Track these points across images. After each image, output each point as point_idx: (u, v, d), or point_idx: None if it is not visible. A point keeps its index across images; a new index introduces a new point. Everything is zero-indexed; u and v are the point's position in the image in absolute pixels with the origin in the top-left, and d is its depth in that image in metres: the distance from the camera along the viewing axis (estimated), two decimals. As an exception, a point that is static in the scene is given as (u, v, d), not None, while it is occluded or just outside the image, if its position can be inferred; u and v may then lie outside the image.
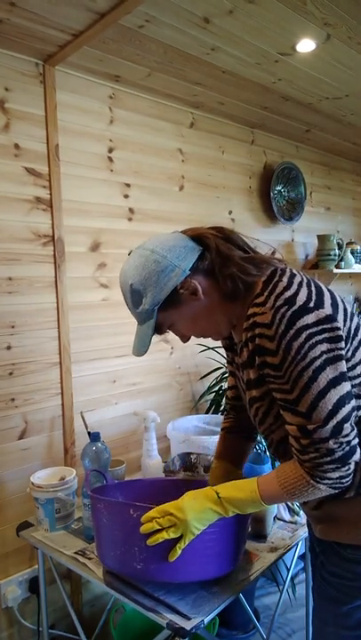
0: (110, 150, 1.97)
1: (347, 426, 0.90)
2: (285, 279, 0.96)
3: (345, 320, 0.95)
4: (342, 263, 2.97)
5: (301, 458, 0.93)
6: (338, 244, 2.91)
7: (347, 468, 0.91)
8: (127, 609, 1.72)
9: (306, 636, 1.84)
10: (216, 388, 2.27)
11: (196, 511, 1.01)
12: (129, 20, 1.49)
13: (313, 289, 0.95)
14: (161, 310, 1.01)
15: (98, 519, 1.15)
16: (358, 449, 0.92)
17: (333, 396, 0.89)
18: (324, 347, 0.89)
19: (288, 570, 1.71)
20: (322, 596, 1.06)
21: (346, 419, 0.90)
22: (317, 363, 0.89)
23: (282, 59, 1.81)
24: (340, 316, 0.94)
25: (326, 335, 0.89)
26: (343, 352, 0.92)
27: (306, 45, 1.71)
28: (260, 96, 2.16)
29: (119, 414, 2.02)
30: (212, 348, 2.35)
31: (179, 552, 1.02)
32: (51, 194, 1.77)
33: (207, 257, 1.00)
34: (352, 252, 3.09)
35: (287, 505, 1.53)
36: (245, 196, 2.60)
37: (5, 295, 1.67)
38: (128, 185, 2.03)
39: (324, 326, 0.90)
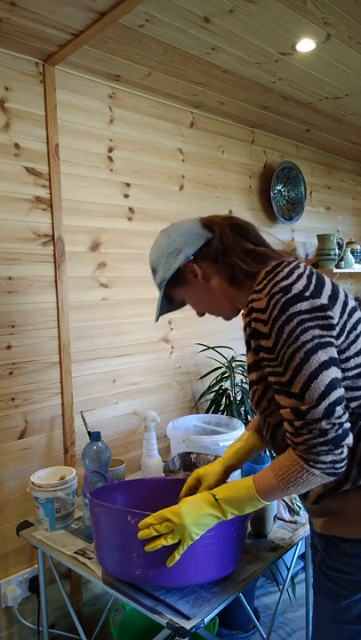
0: (110, 150, 1.97)
1: (339, 408, 0.91)
2: (286, 270, 0.99)
3: (342, 313, 0.98)
4: (342, 263, 2.97)
5: (295, 440, 0.93)
6: (338, 243, 2.91)
7: (340, 451, 0.91)
8: (127, 609, 1.72)
9: (306, 635, 1.84)
10: (216, 388, 2.27)
11: (194, 516, 1.01)
12: (129, 19, 1.49)
13: (313, 280, 0.98)
14: (172, 287, 1.13)
15: (97, 523, 1.15)
16: (351, 434, 0.92)
17: (325, 377, 0.91)
18: (316, 332, 0.92)
19: (288, 569, 1.71)
20: (322, 592, 1.06)
21: (338, 401, 0.91)
22: (309, 345, 0.91)
23: (282, 58, 1.81)
24: (338, 309, 0.97)
25: (319, 322, 0.93)
26: (334, 341, 0.94)
27: (306, 45, 1.71)
28: (260, 96, 2.16)
29: (119, 414, 2.02)
30: (212, 348, 2.35)
31: (177, 558, 1.02)
32: (51, 193, 1.77)
33: (213, 244, 1.08)
34: (352, 252, 3.09)
35: (287, 504, 1.53)
36: (245, 195, 2.60)
37: (5, 295, 1.67)
38: (128, 185, 2.03)
39: (317, 314, 0.93)
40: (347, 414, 0.92)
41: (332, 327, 0.94)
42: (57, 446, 1.81)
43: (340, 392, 0.92)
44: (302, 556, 2.13)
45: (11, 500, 1.69)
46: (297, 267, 1.01)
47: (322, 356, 0.91)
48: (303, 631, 2.00)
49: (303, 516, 1.51)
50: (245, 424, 1.80)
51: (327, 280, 1.02)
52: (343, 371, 0.96)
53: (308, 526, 1.47)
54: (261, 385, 1.04)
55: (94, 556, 1.33)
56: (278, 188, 2.76)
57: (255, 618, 1.87)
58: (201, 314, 1.19)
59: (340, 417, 0.91)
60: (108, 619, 1.76)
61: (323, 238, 2.89)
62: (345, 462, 0.92)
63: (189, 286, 1.13)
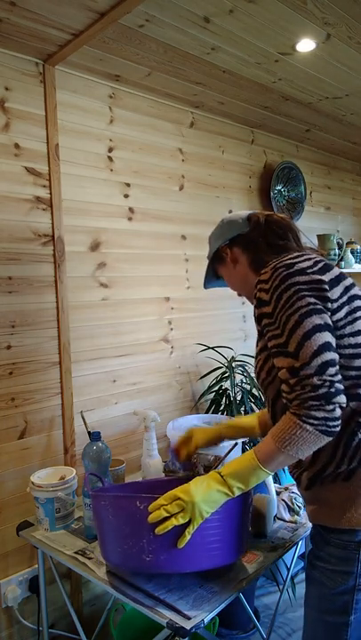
0: (110, 150, 1.97)
1: (331, 368, 0.95)
2: (295, 254, 1.10)
3: (342, 295, 1.05)
4: (342, 263, 2.97)
5: (289, 398, 0.97)
6: (338, 243, 2.91)
7: (331, 407, 0.93)
8: (127, 609, 1.72)
9: (306, 635, 1.84)
10: (216, 388, 2.27)
11: (203, 493, 1.03)
12: (129, 19, 1.49)
13: (320, 265, 1.07)
14: (215, 262, 1.33)
15: (102, 517, 1.15)
16: (343, 395, 0.95)
17: (319, 338, 0.97)
18: (311, 299, 1.00)
19: (288, 569, 1.71)
20: (309, 581, 1.09)
21: (330, 362, 0.95)
22: (304, 310, 0.99)
23: (282, 58, 1.81)
24: (338, 290, 1.05)
25: (315, 293, 1.01)
26: (329, 312, 1.01)
27: (306, 45, 1.71)
28: (260, 96, 2.16)
29: (119, 414, 2.02)
30: (212, 348, 2.35)
31: (188, 537, 1.03)
32: (51, 193, 1.77)
33: (246, 234, 1.24)
34: (352, 252, 3.09)
35: (287, 504, 1.53)
36: (245, 195, 2.60)
37: (5, 295, 1.67)
38: (128, 184, 2.03)
39: (314, 286, 1.02)
40: (340, 376, 0.96)
41: (327, 299, 1.01)
42: (57, 446, 1.81)
43: (333, 354, 0.97)
44: (302, 556, 2.13)
45: (11, 500, 1.69)
46: (310, 254, 1.10)
47: (316, 319, 0.98)
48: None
49: (303, 516, 1.51)
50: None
51: (336, 270, 1.09)
52: (337, 347, 1.01)
53: (308, 526, 1.47)
54: (263, 355, 1.13)
55: (94, 556, 1.33)
56: (278, 187, 2.76)
57: (255, 618, 1.87)
58: (238, 293, 1.35)
59: (332, 375, 0.95)
60: (108, 619, 1.76)
61: (323, 238, 2.89)
62: (338, 422, 0.95)
63: (224, 265, 1.30)
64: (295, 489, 1.59)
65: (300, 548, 1.55)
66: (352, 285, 1.10)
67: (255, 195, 2.66)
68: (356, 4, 1.49)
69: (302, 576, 2.27)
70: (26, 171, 1.71)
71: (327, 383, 0.94)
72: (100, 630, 1.82)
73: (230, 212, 2.51)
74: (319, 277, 1.03)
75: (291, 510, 1.52)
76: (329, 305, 1.02)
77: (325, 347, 0.97)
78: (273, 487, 1.49)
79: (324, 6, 1.49)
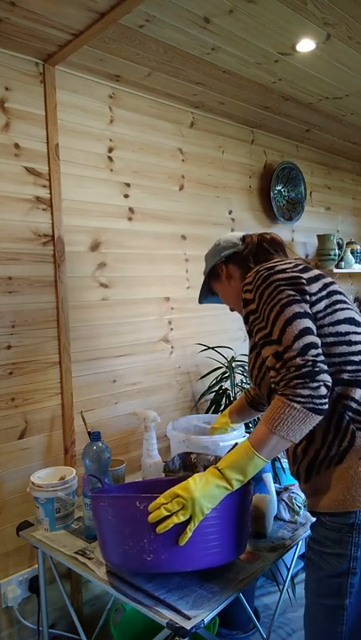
0: (110, 150, 1.97)
1: (313, 350, 1.01)
2: (278, 259, 1.22)
3: (321, 290, 1.14)
4: (342, 263, 2.97)
5: (276, 380, 1.03)
6: (338, 243, 2.91)
7: (315, 385, 0.98)
8: (127, 609, 1.72)
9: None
10: (216, 388, 2.27)
11: (202, 489, 1.04)
12: (129, 19, 1.49)
13: (300, 267, 1.16)
14: (210, 279, 1.42)
15: (102, 517, 1.15)
16: (328, 375, 1.00)
17: (299, 324, 1.04)
18: (291, 292, 1.09)
19: (288, 569, 1.71)
20: (308, 565, 1.10)
21: (312, 345, 1.02)
22: (284, 301, 1.08)
23: (282, 58, 1.81)
24: (316, 286, 1.14)
25: (293, 287, 1.10)
26: (308, 304, 1.09)
27: (306, 45, 1.71)
28: (260, 96, 2.16)
29: (119, 414, 2.02)
30: (212, 348, 2.35)
31: (189, 534, 1.04)
32: (51, 193, 1.77)
33: (240, 253, 1.34)
34: (352, 252, 3.09)
35: (287, 504, 1.53)
36: (245, 195, 2.60)
37: (5, 295, 1.67)
38: (128, 185, 2.03)
39: (293, 281, 1.11)
40: (322, 357, 1.02)
41: (305, 293, 1.10)
42: (57, 446, 1.81)
43: (314, 338, 1.03)
44: (302, 556, 2.13)
45: (11, 500, 1.69)
46: (290, 260, 1.21)
47: (296, 308, 1.06)
48: (303, 631, 2.00)
49: (303, 516, 1.51)
50: (245, 424, 1.81)
51: (316, 271, 1.19)
52: (319, 336, 1.07)
53: (308, 526, 1.47)
54: (253, 353, 1.21)
55: (94, 556, 1.33)
56: (278, 188, 2.76)
57: (255, 618, 1.87)
58: (231, 308, 1.44)
59: (314, 356, 1.00)
60: (108, 619, 1.76)
61: (323, 238, 2.89)
62: (324, 400, 0.98)
63: (219, 282, 1.39)
64: (295, 489, 1.59)
65: (301, 548, 1.55)
66: (331, 283, 1.18)
67: (255, 195, 2.66)
68: (356, 3, 1.49)
69: (302, 576, 2.27)
70: (26, 171, 1.71)
71: (310, 363, 0.99)
72: (100, 630, 1.82)
73: (230, 212, 2.51)
74: (298, 274, 1.12)
75: (291, 510, 1.52)
76: (308, 298, 1.10)
77: (306, 331, 1.03)
78: (273, 487, 1.49)
79: (324, 6, 1.49)
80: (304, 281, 1.11)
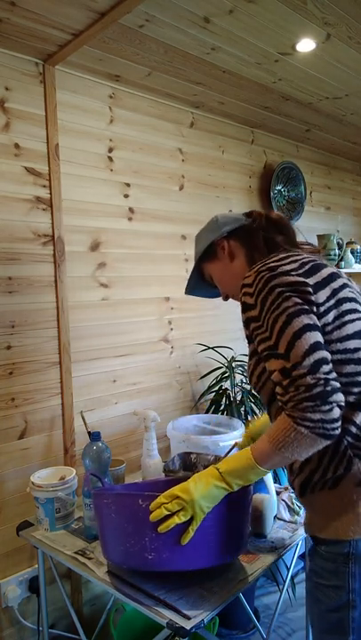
0: (110, 150, 1.97)
1: (325, 366, 0.91)
2: (283, 255, 1.07)
3: (329, 299, 1.01)
4: (342, 263, 2.97)
5: (283, 400, 0.93)
6: (338, 243, 2.91)
7: (327, 408, 0.88)
8: (127, 609, 1.72)
9: (306, 635, 1.84)
10: (216, 388, 2.26)
11: (202, 490, 1.03)
12: (129, 19, 1.49)
13: (307, 267, 1.03)
14: (204, 260, 1.26)
15: (104, 515, 1.15)
16: (341, 393, 0.90)
17: (309, 337, 0.93)
18: (297, 299, 0.97)
19: (288, 569, 1.70)
20: (309, 598, 1.05)
21: (323, 360, 0.91)
22: (291, 310, 0.96)
23: (282, 58, 1.81)
24: (324, 294, 1.01)
25: (299, 295, 0.98)
26: (314, 313, 0.97)
27: (306, 45, 1.71)
28: (260, 96, 2.16)
29: (119, 414, 2.02)
30: (212, 348, 2.35)
31: (192, 534, 1.04)
32: (51, 193, 1.77)
33: (245, 227, 1.20)
34: (352, 252, 3.09)
35: (287, 504, 1.53)
36: (245, 195, 2.60)
37: (5, 295, 1.67)
38: (128, 184, 2.03)
39: (297, 288, 0.98)
40: (335, 374, 0.92)
41: (311, 302, 0.97)
42: (57, 446, 1.81)
43: (325, 353, 0.93)
44: (302, 556, 2.13)
45: (11, 499, 1.69)
46: (298, 255, 1.06)
47: (305, 319, 0.95)
48: (303, 631, 2.00)
49: (303, 516, 1.51)
50: (245, 424, 1.81)
51: (326, 271, 1.05)
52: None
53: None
54: (253, 360, 1.10)
55: (94, 556, 1.33)
56: (278, 187, 2.76)
57: (255, 618, 1.87)
58: (225, 297, 1.29)
59: (326, 373, 0.90)
60: (108, 619, 1.76)
61: (323, 238, 2.89)
62: (337, 423, 0.90)
63: (217, 262, 1.23)
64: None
65: (301, 548, 1.54)
66: (342, 287, 1.04)
67: (255, 195, 2.66)
68: (356, 3, 1.49)
69: (302, 576, 2.27)
70: (26, 171, 1.71)
71: (321, 381, 0.89)
72: (100, 630, 1.82)
73: (230, 212, 2.50)
74: (303, 280, 0.99)
75: (291, 510, 1.52)
76: (314, 308, 0.98)
77: (317, 345, 0.93)
78: (273, 487, 1.49)
79: (324, 6, 1.49)
80: (310, 289, 0.98)
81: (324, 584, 0.98)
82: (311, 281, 1.00)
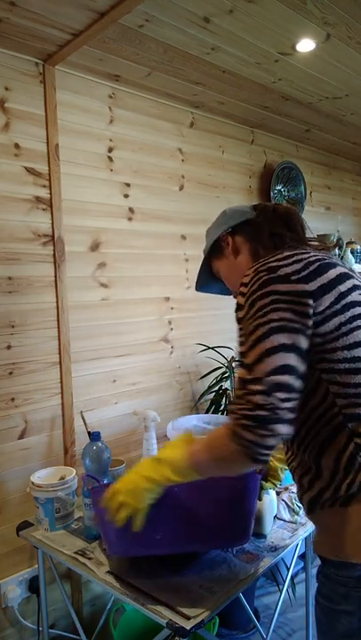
0: (110, 150, 1.97)
1: (282, 394, 0.85)
2: (288, 253, 0.99)
3: (333, 304, 0.93)
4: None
5: (230, 408, 0.90)
6: (338, 243, 2.91)
7: (264, 433, 0.84)
8: (127, 609, 1.72)
9: (306, 635, 1.84)
10: (216, 388, 2.26)
11: (133, 493, 1.04)
12: (129, 19, 1.49)
13: (312, 267, 0.95)
14: (212, 256, 1.23)
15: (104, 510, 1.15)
16: (285, 425, 0.86)
17: (280, 358, 0.87)
18: (286, 315, 0.89)
19: (288, 570, 1.71)
20: (317, 622, 0.99)
21: (284, 386, 0.86)
22: (274, 325, 0.89)
23: (282, 58, 1.81)
24: (328, 299, 0.92)
25: (293, 307, 0.90)
26: (306, 330, 0.90)
27: (306, 45, 1.71)
28: (260, 96, 2.16)
29: (119, 414, 2.02)
30: (212, 348, 2.35)
31: (138, 524, 1.06)
32: (51, 193, 1.77)
33: (251, 222, 1.15)
34: (352, 252, 3.09)
35: (287, 504, 1.52)
36: (245, 195, 2.60)
37: (5, 295, 1.67)
38: (128, 184, 2.03)
39: (294, 298, 0.91)
40: (291, 405, 0.86)
41: (306, 315, 0.90)
42: (57, 446, 1.81)
43: (290, 379, 0.87)
44: (302, 556, 2.13)
45: (11, 499, 1.69)
46: (304, 253, 0.99)
47: (283, 338, 0.88)
48: (303, 631, 2.00)
49: (303, 516, 1.51)
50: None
51: (334, 272, 0.96)
52: (329, 362, 0.92)
53: (308, 526, 1.47)
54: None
55: (94, 556, 1.33)
56: (278, 188, 2.76)
57: (255, 618, 1.87)
58: (234, 294, 1.19)
59: (280, 400, 0.85)
60: (108, 619, 1.76)
61: (323, 238, 2.89)
62: (267, 452, 0.86)
63: (223, 258, 1.20)
64: (295, 489, 1.58)
65: (300, 548, 1.55)
66: (351, 290, 0.96)
67: (255, 195, 2.66)
68: (356, 4, 1.49)
69: (302, 576, 2.27)
70: (26, 171, 1.71)
71: (270, 406, 0.84)
72: (100, 630, 1.82)
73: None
74: (303, 289, 0.91)
75: (291, 510, 1.52)
76: (308, 322, 0.90)
77: (285, 369, 0.87)
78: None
79: (324, 6, 1.49)
80: (308, 300, 0.91)
81: (334, 609, 0.92)
82: (313, 285, 0.92)
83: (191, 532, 1.11)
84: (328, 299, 0.92)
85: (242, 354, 0.92)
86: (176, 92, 2.07)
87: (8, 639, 1.71)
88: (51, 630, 1.76)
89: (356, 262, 3.10)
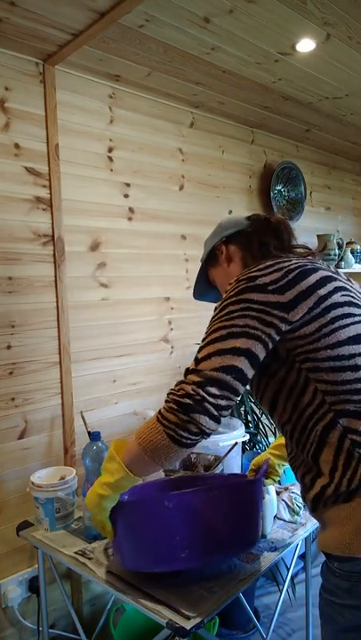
0: (110, 150, 1.97)
1: (216, 390, 0.92)
2: (270, 262, 1.03)
3: (312, 309, 0.96)
4: (342, 263, 2.97)
5: (168, 391, 0.97)
6: (338, 243, 2.91)
7: (185, 418, 0.91)
8: (127, 609, 1.72)
9: (306, 635, 1.84)
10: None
11: (94, 506, 1.10)
12: (129, 19, 1.49)
13: (291, 276, 0.98)
14: (208, 264, 1.28)
15: (131, 525, 1.12)
16: (208, 420, 0.92)
17: (229, 360, 0.92)
18: (253, 322, 0.94)
19: (288, 569, 1.71)
20: (321, 618, 1.00)
21: (221, 385, 0.92)
22: (236, 330, 0.94)
23: (282, 58, 1.81)
24: (306, 305, 0.95)
25: (262, 316, 0.94)
26: (268, 340, 0.95)
27: (306, 45, 1.71)
28: (260, 96, 2.16)
29: (119, 414, 2.02)
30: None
31: (108, 531, 1.13)
32: (50, 193, 1.77)
33: (243, 232, 1.20)
34: (352, 252, 3.09)
35: (287, 504, 1.52)
36: (245, 195, 2.60)
37: (5, 295, 1.67)
38: (128, 184, 2.03)
39: (265, 308, 0.95)
40: (223, 402, 0.92)
41: (272, 326, 0.94)
42: (57, 446, 1.81)
43: (232, 381, 0.92)
44: (302, 556, 2.13)
45: (11, 499, 1.69)
46: (286, 261, 1.02)
47: (240, 344, 0.93)
48: (303, 631, 2.00)
49: (303, 516, 1.51)
50: (245, 424, 1.81)
51: (315, 276, 0.99)
52: (313, 361, 0.96)
53: (308, 526, 1.47)
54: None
55: (94, 556, 1.33)
56: (278, 188, 2.76)
57: (255, 618, 1.87)
58: None
59: (210, 395, 0.91)
60: (108, 619, 1.76)
61: (323, 238, 2.89)
62: (188, 434, 0.92)
63: (218, 266, 1.24)
64: (295, 489, 1.59)
65: (300, 548, 1.55)
66: (332, 292, 0.98)
67: (255, 195, 2.66)
68: (356, 3, 1.49)
69: (302, 576, 2.27)
70: (26, 171, 1.71)
71: (198, 397, 0.91)
72: (100, 630, 1.82)
73: (230, 212, 2.51)
74: (276, 299, 0.95)
75: (291, 510, 1.52)
76: (272, 332, 0.94)
77: (229, 369, 0.92)
78: (273, 487, 1.49)
79: (324, 6, 1.49)
80: (280, 312, 0.94)
81: (339, 603, 0.93)
82: (289, 295, 0.95)
83: (211, 543, 1.10)
84: (306, 304, 0.96)
85: (199, 346, 0.98)
86: (176, 91, 2.07)
87: (8, 639, 1.71)
88: (51, 630, 1.77)
89: (356, 262, 3.10)
